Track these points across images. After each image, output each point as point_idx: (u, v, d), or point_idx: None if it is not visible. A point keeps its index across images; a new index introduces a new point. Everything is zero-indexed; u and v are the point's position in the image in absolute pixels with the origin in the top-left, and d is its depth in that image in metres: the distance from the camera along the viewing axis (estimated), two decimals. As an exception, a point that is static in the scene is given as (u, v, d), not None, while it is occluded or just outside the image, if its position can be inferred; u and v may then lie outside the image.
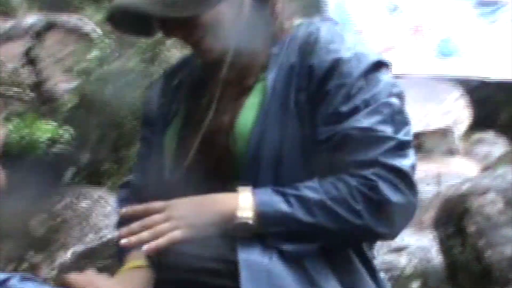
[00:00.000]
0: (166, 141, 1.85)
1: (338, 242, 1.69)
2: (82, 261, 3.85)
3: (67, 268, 3.79)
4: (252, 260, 1.63)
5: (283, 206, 1.65)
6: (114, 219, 3.89)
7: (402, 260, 4.47)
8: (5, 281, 1.13)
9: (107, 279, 1.66)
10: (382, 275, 1.83)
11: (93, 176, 5.15)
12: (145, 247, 1.61)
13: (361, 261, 1.75)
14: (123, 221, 1.78)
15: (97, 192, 4.31)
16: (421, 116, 8.12)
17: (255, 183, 1.70)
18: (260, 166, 1.71)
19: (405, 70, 6.01)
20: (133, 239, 1.63)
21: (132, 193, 1.96)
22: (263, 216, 1.65)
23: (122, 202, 1.98)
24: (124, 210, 1.72)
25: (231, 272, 1.62)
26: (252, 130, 1.71)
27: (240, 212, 1.66)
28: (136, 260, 1.77)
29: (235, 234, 1.66)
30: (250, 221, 1.65)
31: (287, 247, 1.65)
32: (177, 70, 1.95)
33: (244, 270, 1.61)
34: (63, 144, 5.07)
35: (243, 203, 1.66)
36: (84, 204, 4.11)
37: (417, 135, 7.25)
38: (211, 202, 1.68)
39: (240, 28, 1.77)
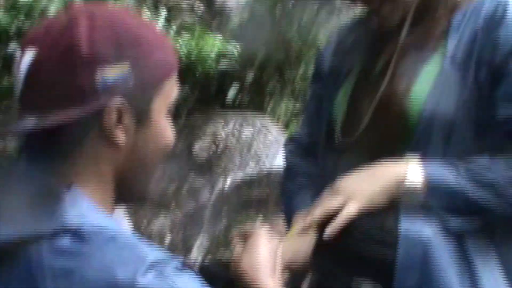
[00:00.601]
0: (336, 102, 1.84)
1: (501, 221, 1.68)
2: (241, 189, 3.92)
3: (226, 194, 3.87)
4: (413, 232, 1.64)
5: (452, 178, 1.65)
6: (274, 149, 3.95)
7: None
8: (162, 262, 1.14)
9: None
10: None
11: (256, 95, 5.19)
12: (326, 234, 1.62)
13: None
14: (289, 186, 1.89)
15: (260, 121, 4.34)
16: None
17: (425, 152, 1.69)
18: (432, 135, 1.70)
19: None
20: (309, 218, 1.67)
21: (299, 148, 2.00)
22: (432, 186, 1.66)
23: (289, 155, 2.02)
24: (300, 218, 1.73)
25: (392, 243, 1.63)
26: (428, 98, 1.69)
27: (410, 179, 1.65)
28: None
29: (402, 202, 1.66)
30: (419, 189, 1.64)
31: (451, 222, 1.65)
32: (350, 29, 1.93)
33: (403, 241, 1.63)
34: (229, 60, 5.13)
35: (413, 171, 1.66)
36: (246, 132, 4.16)
37: None
38: (381, 170, 1.69)
39: None
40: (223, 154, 4.04)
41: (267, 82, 5.20)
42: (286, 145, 2.06)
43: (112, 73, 1.18)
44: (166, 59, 1.27)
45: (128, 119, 1.21)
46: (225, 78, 5.10)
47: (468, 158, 1.66)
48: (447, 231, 1.64)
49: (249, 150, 4.08)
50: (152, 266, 1.13)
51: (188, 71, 4.79)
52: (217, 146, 4.06)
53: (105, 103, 1.18)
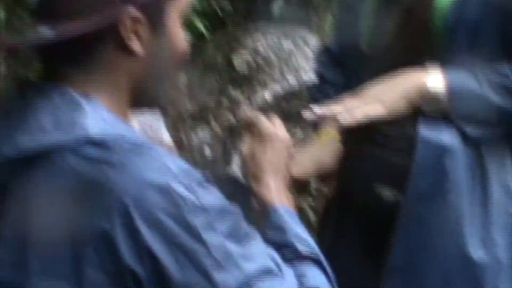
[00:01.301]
0: (364, 11, 1.84)
1: None
2: (281, 102, 3.92)
3: (265, 107, 3.88)
4: (431, 137, 1.69)
5: (473, 85, 1.69)
6: (314, 62, 3.91)
7: None
8: (187, 173, 1.17)
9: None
10: None
11: (301, 9, 5.15)
12: (342, 118, 1.66)
13: None
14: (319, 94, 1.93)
15: (299, 33, 4.30)
16: None
17: (450, 59, 1.72)
18: (457, 41, 1.71)
19: None
20: (324, 109, 1.68)
21: (329, 58, 2.00)
22: (453, 92, 1.69)
23: (319, 64, 2.04)
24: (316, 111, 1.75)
25: (412, 151, 1.69)
26: (452, 5, 1.68)
27: (431, 85, 1.66)
28: (329, 132, 1.88)
29: (423, 108, 1.68)
30: (440, 94, 1.65)
31: (470, 129, 1.66)
32: None
33: (421, 146, 1.68)
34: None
35: (435, 78, 1.70)
36: (286, 44, 4.13)
37: None
38: (402, 78, 1.71)
39: None
40: (262, 67, 4.03)
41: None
42: (317, 55, 2.08)
43: None
44: None
45: (143, 28, 1.22)
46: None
47: (489, 67, 1.67)
48: (466, 138, 1.67)
49: (288, 63, 4.06)
50: (178, 176, 1.15)
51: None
52: (256, 59, 4.05)
53: (121, 12, 1.19)
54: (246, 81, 3.97)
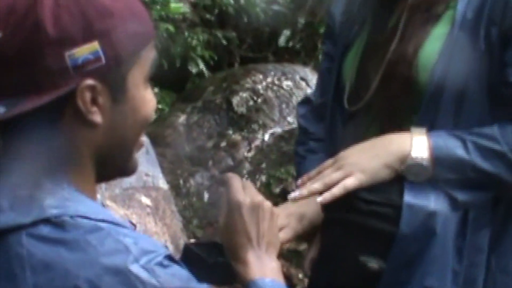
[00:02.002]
0: (346, 64, 1.81)
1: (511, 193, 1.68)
2: (280, 143, 3.91)
3: (265, 149, 3.88)
4: (416, 204, 1.63)
5: (459, 152, 1.64)
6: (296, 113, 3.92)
7: None
8: (146, 253, 1.14)
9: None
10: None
11: (308, 40, 5.16)
12: (320, 198, 1.63)
13: None
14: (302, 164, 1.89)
15: (299, 73, 4.30)
16: None
17: (435, 118, 1.68)
18: (442, 100, 1.68)
19: None
20: (305, 191, 1.65)
21: (312, 111, 1.97)
22: (438, 160, 1.64)
23: (302, 119, 2.01)
24: (299, 180, 1.73)
25: (398, 217, 1.63)
26: (437, 61, 1.68)
27: (415, 153, 1.64)
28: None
29: (407, 177, 1.65)
30: (425, 163, 1.62)
31: (460, 196, 1.63)
32: None
33: (406, 213, 1.63)
34: (280, 5, 5.09)
35: (418, 144, 1.65)
36: (285, 84, 4.13)
37: None
38: (384, 143, 1.69)
39: None
40: (262, 107, 4.02)
41: (319, 26, 5.15)
42: (300, 107, 2.04)
43: (82, 52, 1.15)
44: (139, 29, 1.22)
45: (103, 98, 1.18)
46: (276, 23, 5.06)
47: (476, 129, 1.64)
48: (454, 204, 1.64)
49: (288, 103, 4.06)
50: (137, 258, 1.13)
51: (237, 17, 4.77)
52: (255, 100, 4.05)
53: (76, 84, 1.15)
54: (245, 123, 3.96)
